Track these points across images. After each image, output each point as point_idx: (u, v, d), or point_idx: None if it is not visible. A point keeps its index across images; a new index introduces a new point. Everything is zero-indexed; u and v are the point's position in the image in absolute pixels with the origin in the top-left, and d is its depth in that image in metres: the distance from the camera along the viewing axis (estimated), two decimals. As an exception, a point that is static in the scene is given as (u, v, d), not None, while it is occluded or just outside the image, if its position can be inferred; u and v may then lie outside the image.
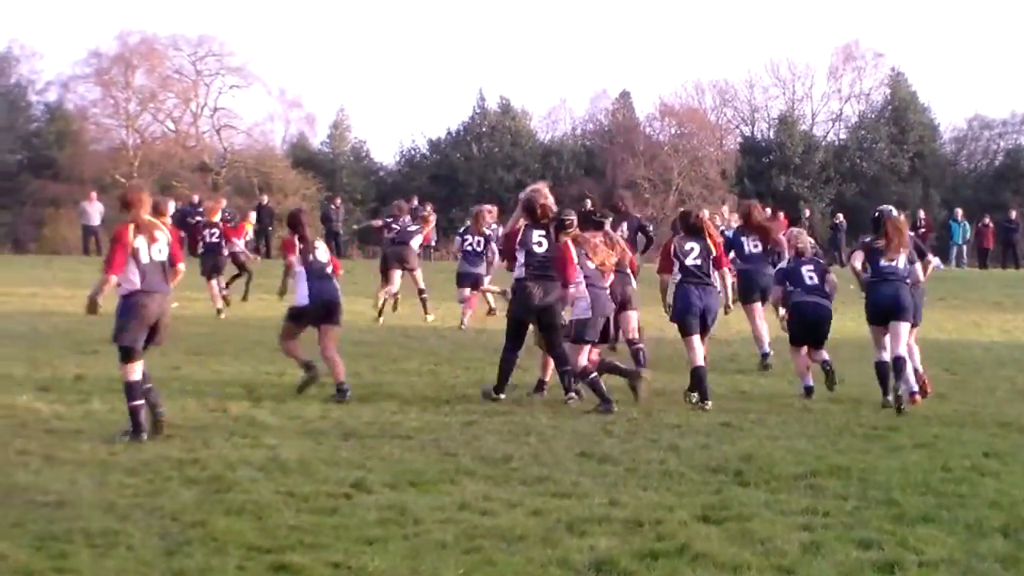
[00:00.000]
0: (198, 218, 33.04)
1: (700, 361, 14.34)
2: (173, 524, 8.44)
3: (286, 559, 7.63)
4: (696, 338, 14.42)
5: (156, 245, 11.73)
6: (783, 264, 16.28)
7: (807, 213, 50.57)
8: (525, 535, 8.27)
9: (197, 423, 12.34)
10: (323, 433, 11.97)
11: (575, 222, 14.58)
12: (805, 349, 15.48)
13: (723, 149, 68.57)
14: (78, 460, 10.45)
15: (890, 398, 13.99)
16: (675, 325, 14.84)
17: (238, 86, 67.61)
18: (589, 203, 22.00)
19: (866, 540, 8.22)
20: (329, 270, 14.75)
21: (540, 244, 14.29)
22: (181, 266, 12.21)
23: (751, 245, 18.43)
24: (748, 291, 18.15)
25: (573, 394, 14.28)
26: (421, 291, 23.82)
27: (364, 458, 10.76)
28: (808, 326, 15.41)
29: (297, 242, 14.72)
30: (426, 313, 23.59)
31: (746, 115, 73.55)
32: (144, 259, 11.60)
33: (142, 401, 11.54)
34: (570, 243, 14.22)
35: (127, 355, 11.55)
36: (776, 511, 9.05)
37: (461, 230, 23.95)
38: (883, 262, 14.46)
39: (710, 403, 14.02)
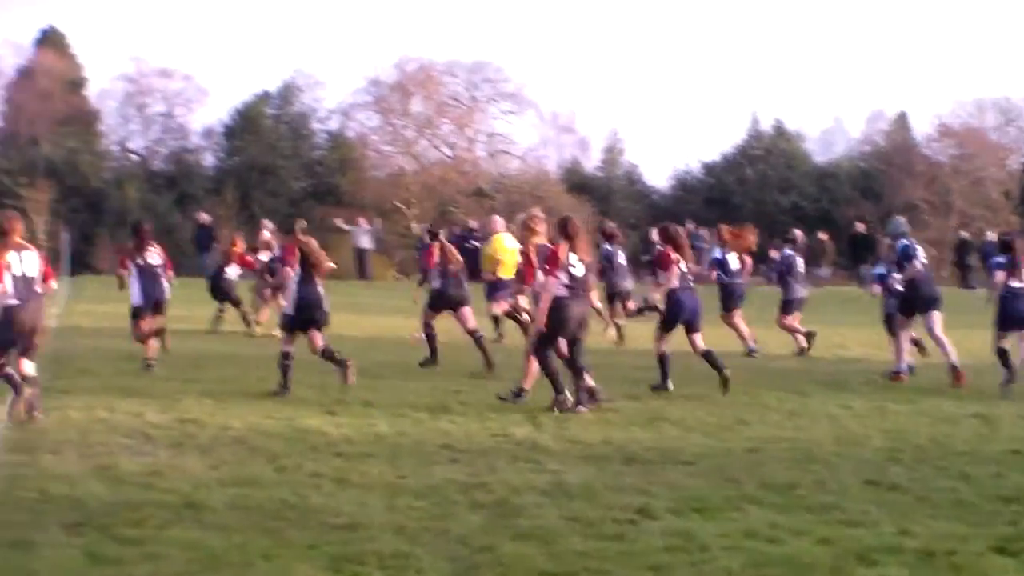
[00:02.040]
0: (475, 243, 33.49)
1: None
2: (461, 548, 8.54)
3: (575, 585, 7.66)
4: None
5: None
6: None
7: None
8: (814, 564, 8.15)
9: (481, 447, 12.50)
10: (605, 458, 11.99)
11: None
12: None
13: (1006, 170, 66.51)
14: (367, 483, 10.67)
15: None
16: None
17: (512, 112, 68.34)
18: (861, 227, 21.58)
19: None
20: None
21: (576, 266, 14.96)
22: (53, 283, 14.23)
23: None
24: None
25: (582, 407, 14.93)
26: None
27: (647, 483, 10.73)
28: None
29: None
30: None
31: (1031, 134, 71.15)
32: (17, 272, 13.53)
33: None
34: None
35: None
36: (1077, 544, 8.72)
37: None
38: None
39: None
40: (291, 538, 8.74)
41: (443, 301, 19.86)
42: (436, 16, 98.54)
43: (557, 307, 14.83)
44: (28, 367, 13.87)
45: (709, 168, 68.07)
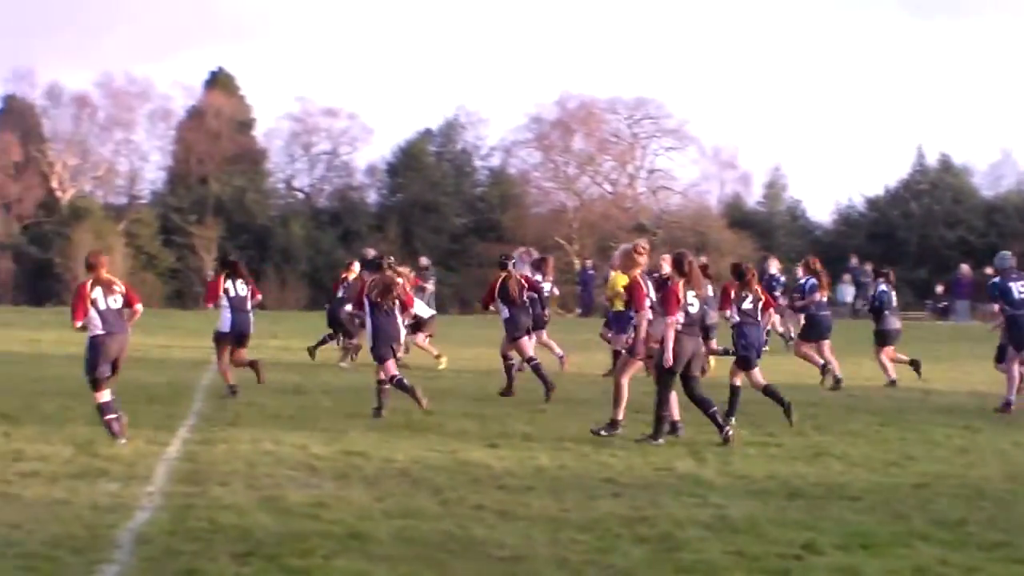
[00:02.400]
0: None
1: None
2: (626, 581, 8.53)
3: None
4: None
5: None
6: None
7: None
8: (986, 603, 7.99)
9: (644, 481, 12.46)
10: (769, 492, 11.88)
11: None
12: None
13: None
14: (530, 516, 10.70)
15: None
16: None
17: (674, 148, 68.25)
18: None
19: None
20: None
21: (693, 303, 15.13)
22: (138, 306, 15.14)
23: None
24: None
25: (729, 429, 15.09)
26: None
27: (813, 519, 10.62)
28: None
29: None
30: None
31: None
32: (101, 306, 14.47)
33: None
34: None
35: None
36: None
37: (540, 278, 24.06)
38: None
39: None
40: (456, 570, 8.80)
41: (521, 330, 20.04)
42: (597, 52, 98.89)
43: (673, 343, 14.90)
44: (106, 394, 14.58)
45: (872, 203, 67.12)
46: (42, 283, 60.66)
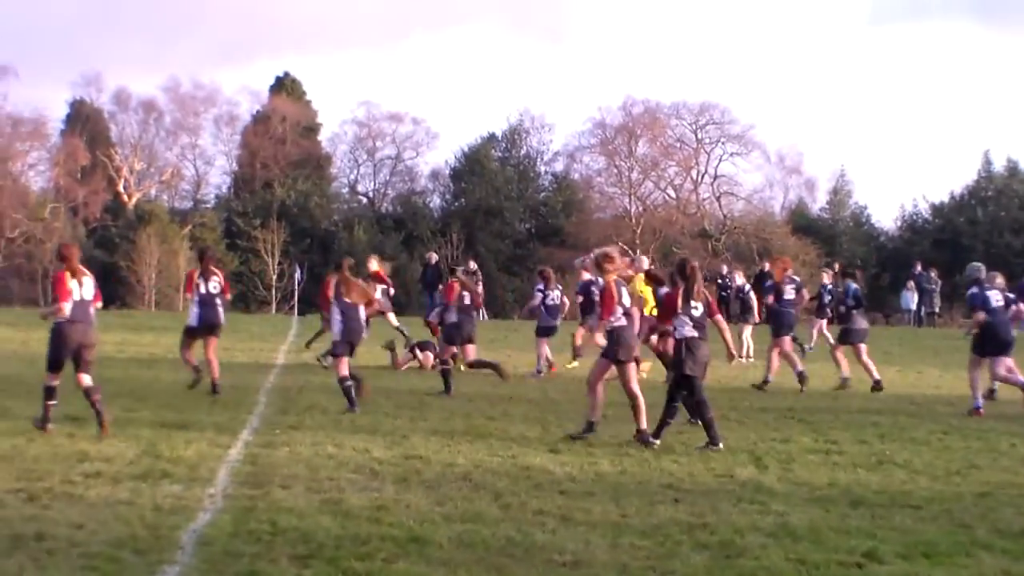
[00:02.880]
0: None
1: None
2: (685, 587, 8.50)
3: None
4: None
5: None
6: None
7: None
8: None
9: (705, 487, 12.41)
10: (831, 500, 11.80)
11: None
12: None
13: None
14: (591, 521, 10.68)
15: None
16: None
17: (738, 153, 68.18)
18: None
19: None
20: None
21: (696, 309, 15.30)
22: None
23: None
24: None
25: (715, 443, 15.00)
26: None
27: (874, 527, 10.55)
28: None
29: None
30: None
31: None
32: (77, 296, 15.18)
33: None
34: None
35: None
36: None
37: (540, 286, 25.50)
38: None
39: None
40: (516, 575, 8.79)
41: (460, 335, 21.53)
42: (662, 56, 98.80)
43: (687, 347, 15.20)
44: (86, 379, 15.24)
45: (937, 209, 66.67)
46: (107, 286, 61.04)
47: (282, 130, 67.90)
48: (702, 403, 15.21)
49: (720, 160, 68.10)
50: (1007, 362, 19.70)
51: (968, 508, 11.52)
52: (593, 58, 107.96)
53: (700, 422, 15.37)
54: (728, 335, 15.82)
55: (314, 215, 66.20)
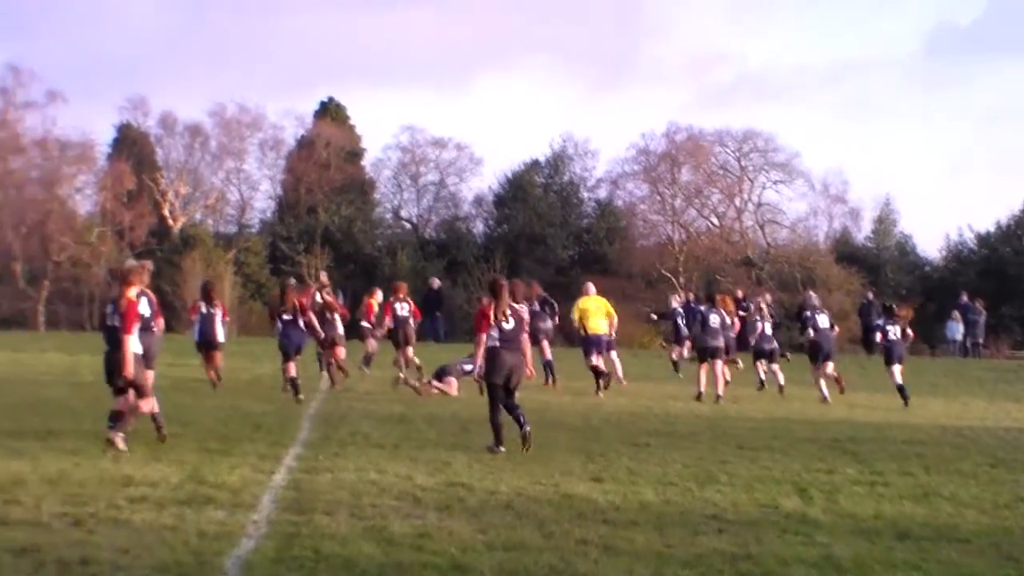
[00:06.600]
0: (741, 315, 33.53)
1: None
2: (729, 619, 8.45)
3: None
4: None
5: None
6: None
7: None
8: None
9: (748, 518, 12.34)
10: (877, 533, 11.72)
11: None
12: None
13: None
14: (634, 551, 10.64)
15: None
16: None
17: (782, 181, 67.91)
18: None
19: None
20: None
21: (508, 323, 16.89)
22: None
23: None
24: None
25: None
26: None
27: (921, 560, 10.48)
28: None
29: None
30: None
31: None
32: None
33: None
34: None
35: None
36: None
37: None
38: None
39: None
40: (558, 604, 8.77)
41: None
42: (704, 83, 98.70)
43: (490, 356, 16.84)
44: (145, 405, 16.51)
45: (983, 239, 66.22)
46: (152, 310, 61.39)
47: (326, 155, 68.05)
48: (511, 407, 16.78)
49: (764, 188, 67.94)
50: None
51: (1017, 542, 11.42)
52: (637, 84, 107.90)
53: (491, 424, 16.68)
54: (528, 355, 17.26)
55: (358, 240, 66.35)
